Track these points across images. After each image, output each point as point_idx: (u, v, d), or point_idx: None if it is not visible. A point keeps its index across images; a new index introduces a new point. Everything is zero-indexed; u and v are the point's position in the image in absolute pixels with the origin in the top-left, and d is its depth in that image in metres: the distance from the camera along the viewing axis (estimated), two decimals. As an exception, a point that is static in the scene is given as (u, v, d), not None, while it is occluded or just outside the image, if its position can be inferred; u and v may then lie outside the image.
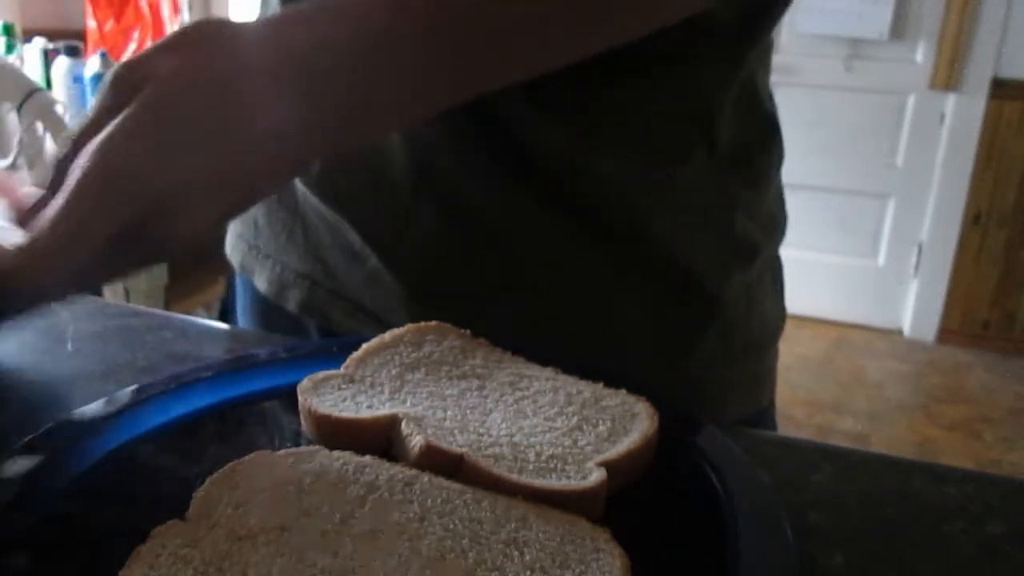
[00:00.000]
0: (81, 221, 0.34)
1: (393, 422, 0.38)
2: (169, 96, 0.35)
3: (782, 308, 0.64)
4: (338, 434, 0.38)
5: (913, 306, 3.31)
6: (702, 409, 0.43)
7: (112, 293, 1.74)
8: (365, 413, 0.39)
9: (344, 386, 0.42)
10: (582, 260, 0.54)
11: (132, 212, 0.34)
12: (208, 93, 0.35)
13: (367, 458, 0.36)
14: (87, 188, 0.34)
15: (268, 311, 0.63)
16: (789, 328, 0.65)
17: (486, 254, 0.54)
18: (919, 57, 3.09)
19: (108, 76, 0.37)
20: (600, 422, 0.39)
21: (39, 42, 2.07)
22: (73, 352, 0.52)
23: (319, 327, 0.60)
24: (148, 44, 2.23)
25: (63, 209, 0.34)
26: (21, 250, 0.34)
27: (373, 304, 0.56)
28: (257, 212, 0.62)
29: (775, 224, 0.61)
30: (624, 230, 0.54)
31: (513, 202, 0.53)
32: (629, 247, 0.54)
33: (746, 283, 0.58)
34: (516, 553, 0.31)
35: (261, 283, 0.62)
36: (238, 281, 0.68)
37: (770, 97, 0.59)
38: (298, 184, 0.58)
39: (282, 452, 0.37)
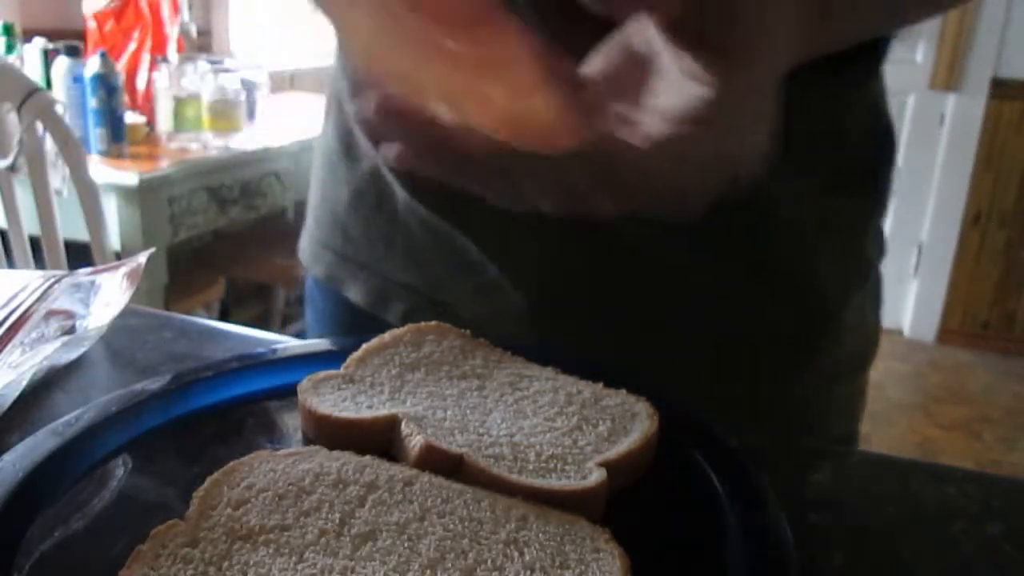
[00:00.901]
0: None
1: (393, 422, 0.38)
2: None
3: (879, 324, 0.62)
4: (338, 434, 0.38)
5: (913, 306, 3.31)
6: (806, 431, 0.42)
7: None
8: (365, 413, 0.39)
9: (344, 386, 0.42)
10: (710, 279, 0.52)
11: None
12: None
13: (367, 458, 0.36)
14: None
15: (360, 322, 0.60)
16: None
17: (610, 267, 0.52)
18: (919, 57, 3.09)
19: None
20: (600, 422, 0.39)
21: (39, 42, 2.06)
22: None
23: None
24: (147, 45, 2.23)
25: None
26: None
27: (482, 315, 0.55)
28: (349, 221, 0.59)
29: (882, 238, 0.59)
30: (770, 255, 0.52)
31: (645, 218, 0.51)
32: (767, 270, 0.53)
33: (860, 302, 0.56)
34: (516, 553, 0.31)
35: (356, 294, 0.59)
36: (315, 291, 0.64)
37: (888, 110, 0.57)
38: (398, 192, 0.56)
39: (282, 452, 0.37)
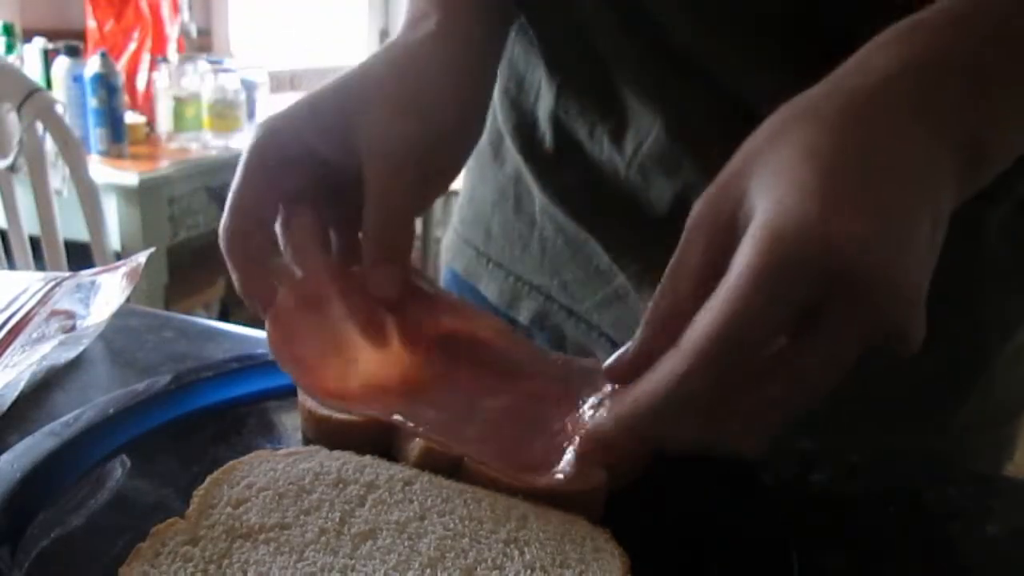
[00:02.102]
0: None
1: (393, 423, 0.38)
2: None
3: None
4: (338, 434, 0.38)
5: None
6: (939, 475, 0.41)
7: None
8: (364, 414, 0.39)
9: (344, 386, 0.41)
10: None
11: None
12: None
13: (367, 458, 0.36)
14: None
15: None
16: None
17: None
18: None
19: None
20: (600, 422, 0.39)
21: (39, 42, 2.06)
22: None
23: (551, 340, 0.58)
24: (147, 45, 2.23)
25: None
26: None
27: (610, 322, 0.55)
28: (492, 220, 0.60)
29: None
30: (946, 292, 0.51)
31: None
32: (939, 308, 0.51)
33: (1018, 343, 0.53)
34: (516, 552, 0.31)
35: (491, 292, 0.60)
36: (452, 284, 0.65)
37: None
38: (537, 195, 0.57)
39: (282, 451, 0.37)
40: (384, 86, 0.42)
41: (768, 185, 0.30)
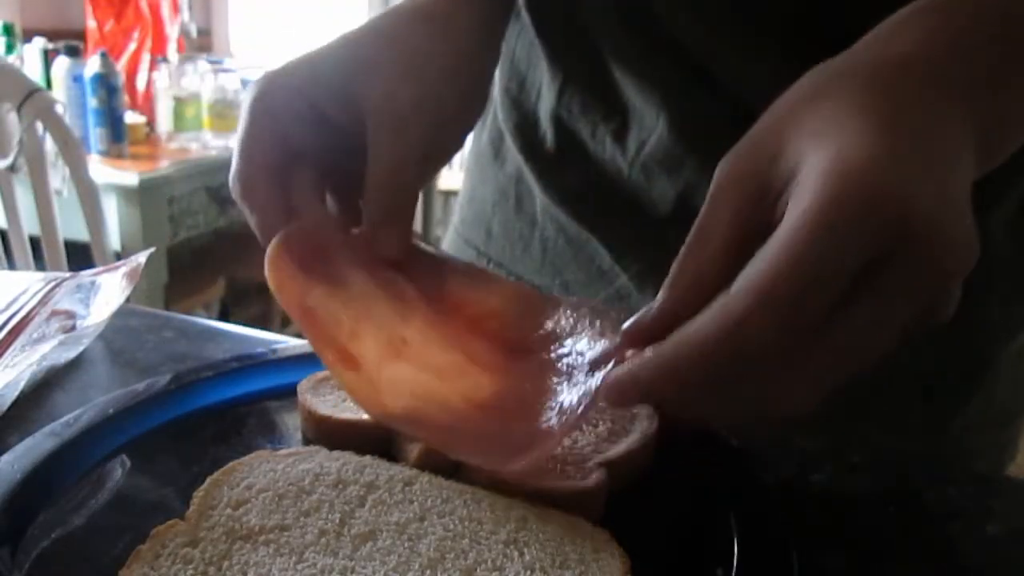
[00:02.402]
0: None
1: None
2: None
3: None
4: (338, 435, 0.38)
5: None
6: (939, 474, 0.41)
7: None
8: (365, 414, 0.39)
9: (344, 386, 0.41)
10: None
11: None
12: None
13: (367, 458, 0.36)
14: None
15: None
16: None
17: None
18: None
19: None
20: (600, 422, 0.39)
21: (39, 42, 2.06)
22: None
23: None
24: (147, 45, 2.23)
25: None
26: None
27: None
28: (493, 220, 0.60)
29: None
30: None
31: None
32: None
33: (1020, 347, 0.53)
34: (516, 553, 0.31)
35: None
36: None
37: None
38: (538, 195, 0.57)
39: (282, 452, 0.37)
40: (393, 48, 0.42)
41: (818, 135, 0.29)
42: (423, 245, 0.42)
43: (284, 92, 0.40)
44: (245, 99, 0.41)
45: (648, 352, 0.30)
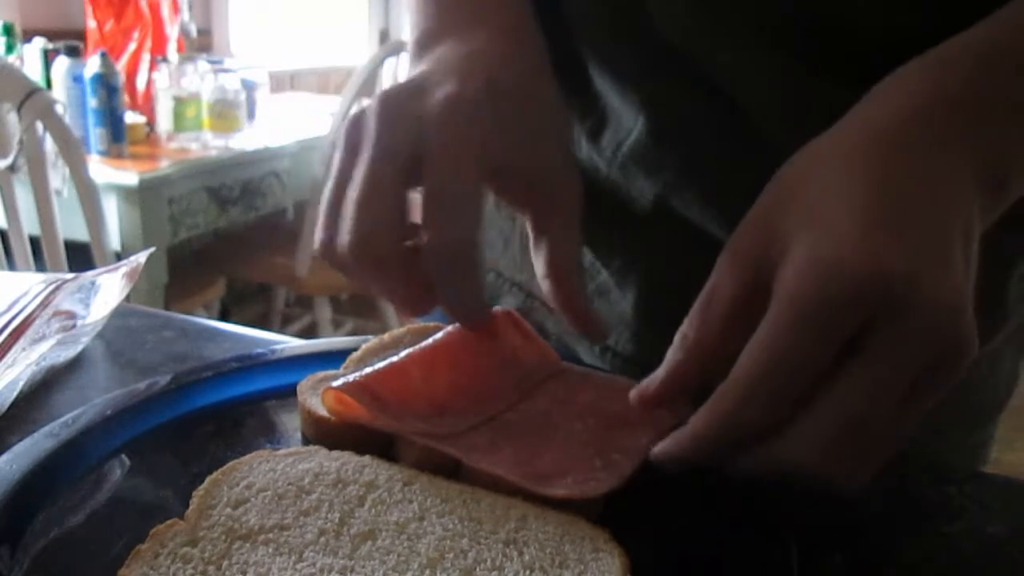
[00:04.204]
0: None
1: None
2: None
3: (1018, 372, 0.58)
4: (337, 435, 0.38)
5: None
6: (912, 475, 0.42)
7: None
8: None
9: (343, 386, 0.41)
10: None
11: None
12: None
13: (366, 458, 0.36)
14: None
15: None
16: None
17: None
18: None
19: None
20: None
21: (39, 42, 2.06)
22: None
23: None
24: (147, 45, 2.23)
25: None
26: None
27: None
28: None
29: None
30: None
31: None
32: None
33: (995, 345, 0.53)
34: (515, 553, 0.31)
35: None
36: None
37: None
38: None
39: (281, 452, 0.37)
40: (552, 119, 0.42)
41: (804, 221, 0.31)
42: None
43: (476, 125, 0.38)
44: (431, 118, 0.38)
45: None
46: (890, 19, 0.41)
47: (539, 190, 0.41)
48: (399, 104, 0.38)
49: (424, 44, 0.45)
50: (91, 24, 2.21)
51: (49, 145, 1.50)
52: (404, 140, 0.37)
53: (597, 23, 0.49)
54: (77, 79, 1.91)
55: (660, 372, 0.35)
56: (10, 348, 0.46)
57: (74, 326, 0.51)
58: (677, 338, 0.34)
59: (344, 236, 0.36)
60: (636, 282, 0.53)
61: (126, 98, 2.07)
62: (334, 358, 0.44)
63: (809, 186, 0.33)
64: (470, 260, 0.37)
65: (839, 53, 0.42)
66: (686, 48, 0.46)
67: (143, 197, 1.83)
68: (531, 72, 0.43)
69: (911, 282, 0.29)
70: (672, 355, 0.35)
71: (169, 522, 0.32)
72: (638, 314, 0.53)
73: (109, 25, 2.20)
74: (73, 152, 1.50)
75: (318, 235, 0.38)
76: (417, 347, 0.40)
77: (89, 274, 0.53)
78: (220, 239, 2.52)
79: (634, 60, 0.48)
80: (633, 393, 0.36)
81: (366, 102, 0.44)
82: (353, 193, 0.37)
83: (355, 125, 0.38)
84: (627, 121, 0.49)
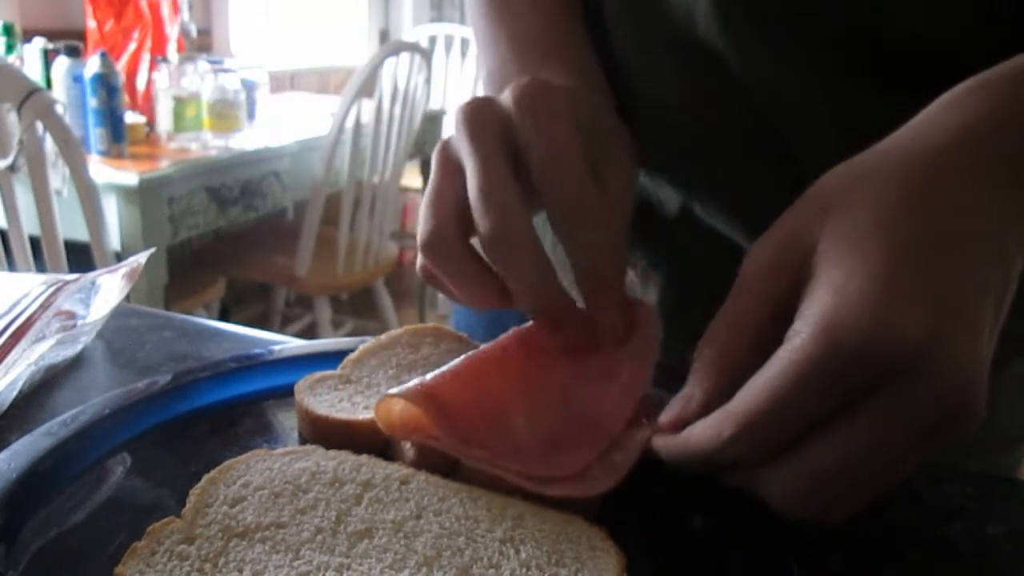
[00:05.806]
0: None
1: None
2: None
3: None
4: (334, 435, 0.38)
5: None
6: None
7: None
8: (362, 414, 0.39)
9: (341, 387, 0.41)
10: None
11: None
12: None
13: (363, 457, 0.36)
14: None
15: (482, 316, 0.62)
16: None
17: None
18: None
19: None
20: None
21: (39, 42, 2.06)
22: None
23: None
24: (147, 45, 2.23)
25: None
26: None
27: None
28: None
29: None
30: None
31: None
32: None
33: (1020, 372, 0.52)
34: (512, 551, 0.31)
35: None
36: None
37: None
38: None
39: (278, 451, 0.37)
40: (622, 135, 0.43)
41: (833, 253, 0.30)
42: None
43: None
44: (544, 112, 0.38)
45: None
46: (929, 29, 0.40)
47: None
48: (481, 105, 0.39)
49: (495, 81, 0.47)
50: (91, 24, 2.21)
51: (49, 145, 1.50)
52: (498, 126, 0.38)
53: (626, 26, 0.50)
54: (77, 79, 1.91)
55: (682, 396, 0.34)
56: (11, 349, 0.46)
57: (74, 326, 0.51)
58: (698, 357, 0.34)
59: (481, 226, 0.37)
60: (659, 282, 0.53)
61: (126, 98, 2.07)
62: (331, 359, 0.44)
63: (844, 208, 0.31)
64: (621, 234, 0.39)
65: (880, 69, 0.42)
66: (727, 56, 0.46)
67: (143, 197, 1.83)
68: (599, 103, 0.44)
69: (929, 350, 0.28)
70: (693, 377, 0.34)
71: (166, 520, 0.32)
72: (660, 315, 0.53)
73: (109, 25, 2.21)
74: (73, 152, 1.50)
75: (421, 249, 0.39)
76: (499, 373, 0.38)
77: (90, 275, 0.53)
78: (220, 239, 2.52)
79: (660, 66, 0.49)
80: (660, 419, 0.35)
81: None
82: (474, 185, 0.37)
83: (444, 146, 0.40)
84: (656, 137, 0.49)
